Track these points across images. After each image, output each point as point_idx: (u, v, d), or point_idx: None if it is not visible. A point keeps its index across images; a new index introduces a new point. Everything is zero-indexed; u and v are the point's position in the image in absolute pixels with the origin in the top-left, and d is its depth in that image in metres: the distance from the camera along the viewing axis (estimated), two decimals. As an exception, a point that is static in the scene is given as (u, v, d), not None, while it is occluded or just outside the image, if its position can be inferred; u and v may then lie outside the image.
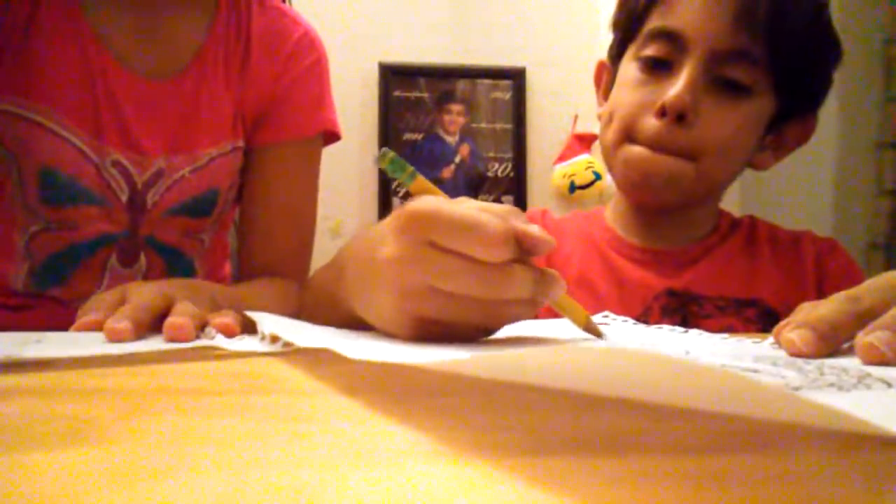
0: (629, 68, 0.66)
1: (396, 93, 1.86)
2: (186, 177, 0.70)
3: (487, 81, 1.90)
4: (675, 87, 0.60)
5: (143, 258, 0.71)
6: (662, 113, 0.61)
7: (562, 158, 1.87)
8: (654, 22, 0.64)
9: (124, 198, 0.68)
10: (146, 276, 0.72)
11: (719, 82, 0.61)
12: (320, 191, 0.78)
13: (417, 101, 1.88)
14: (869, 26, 1.87)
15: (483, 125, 1.90)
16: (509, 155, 1.90)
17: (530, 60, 1.91)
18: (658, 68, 0.63)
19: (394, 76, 1.86)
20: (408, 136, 1.87)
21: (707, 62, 0.60)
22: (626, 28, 0.68)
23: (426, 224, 0.33)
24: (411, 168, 0.38)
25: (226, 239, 0.84)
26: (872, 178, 1.96)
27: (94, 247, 0.69)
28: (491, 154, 1.90)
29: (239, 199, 0.77)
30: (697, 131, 0.61)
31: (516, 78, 1.90)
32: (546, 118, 1.92)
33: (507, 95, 1.90)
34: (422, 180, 0.38)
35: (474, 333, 0.37)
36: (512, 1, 1.91)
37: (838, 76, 0.68)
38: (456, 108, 1.89)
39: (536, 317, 0.38)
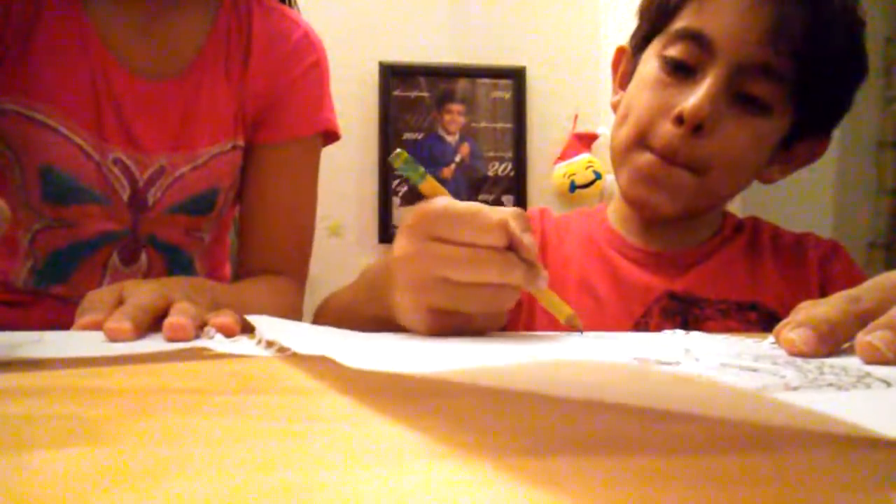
0: (651, 65, 0.63)
1: (396, 92, 1.86)
2: (187, 175, 0.70)
3: (487, 81, 1.90)
4: (696, 96, 0.58)
5: (143, 257, 0.72)
6: (679, 120, 0.59)
7: (562, 158, 1.87)
8: (683, 21, 0.61)
9: (125, 196, 0.68)
10: (147, 275, 0.72)
11: (740, 97, 0.59)
12: (320, 190, 0.78)
13: (417, 100, 1.88)
14: (869, 26, 1.87)
15: (483, 125, 1.90)
16: (509, 154, 1.90)
17: (530, 60, 1.91)
18: (681, 71, 0.60)
19: (394, 76, 1.86)
20: (408, 135, 1.87)
21: (732, 74, 0.58)
22: (654, 20, 0.65)
23: (431, 220, 0.38)
24: (423, 169, 0.42)
25: (226, 237, 0.84)
26: (872, 178, 1.96)
27: (96, 245, 0.69)
28: (491, 154, 1.90)
29: (239, 198, 0.77)
30: (710, 144, 0.59)
31: (516, 78, 1.90)
32: (546, 118, 1.92)
33: (507, 95, 1.90)
34: (431, 181, 0.42)
35: (483, 324, 0.41)
36: (512, 1, 1.91)
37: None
38: (456, 107, 1.89)
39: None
